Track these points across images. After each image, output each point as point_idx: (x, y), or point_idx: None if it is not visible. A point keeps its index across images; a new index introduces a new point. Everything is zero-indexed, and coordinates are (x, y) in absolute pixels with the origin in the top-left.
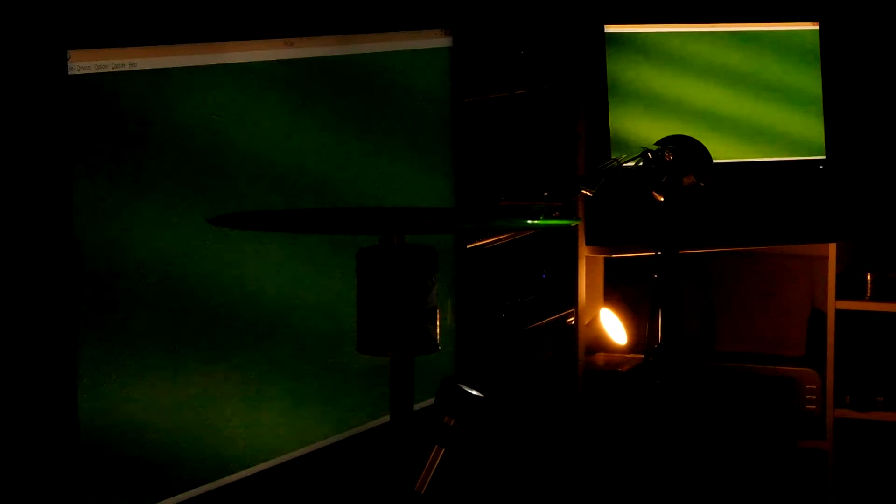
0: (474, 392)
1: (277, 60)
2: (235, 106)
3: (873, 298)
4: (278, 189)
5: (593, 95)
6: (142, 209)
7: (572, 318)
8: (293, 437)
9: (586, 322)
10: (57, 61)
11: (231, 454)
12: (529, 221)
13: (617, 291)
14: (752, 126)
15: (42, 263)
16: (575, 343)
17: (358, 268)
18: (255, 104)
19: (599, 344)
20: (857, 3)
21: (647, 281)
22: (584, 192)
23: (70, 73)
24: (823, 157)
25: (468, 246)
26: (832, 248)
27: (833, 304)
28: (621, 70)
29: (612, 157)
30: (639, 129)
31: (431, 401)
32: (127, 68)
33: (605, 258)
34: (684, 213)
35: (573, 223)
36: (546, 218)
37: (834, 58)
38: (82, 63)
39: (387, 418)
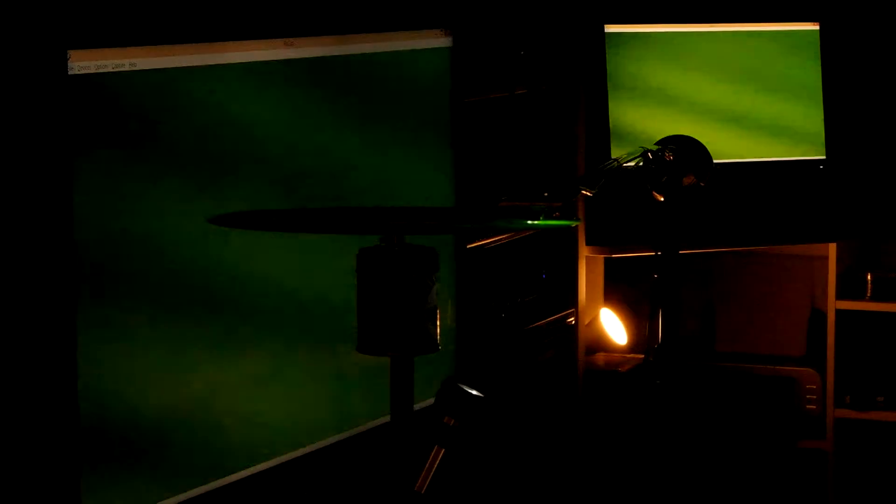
0: (474, 392)
1: (277, 60)
2: (235, 106)
3: (873, 298)
4: (278, 189)
5: (593, 95)
6: (142, 209)
7: (572, 318)
8: (293, 436)
9: (586, 322)
10: (57, 61)
11: (231, 454)
12: (529, 222)
13: (617, 291)
14: (752, 126)
15: (42, 262)
16: (575, 343)
17: (358, 268)
18: (255, 104)
19: (599, 344)
20: (857, 3)
21: (647, 281)
22: (584, 192)
23: (70, 73)
24: (823, 157)
25: (468, 246)
26: (832, 248)
27: (833, 304)
28: (621, 70)
29: (613, 158)
30: (639, 128)
31: (431, 401)
32: (127, 68)
33: (605, 258)
34: (684, 213)
35: (573, 224)
36: (546, 218)
37: (834, 58)
38: (82, 63)
39: (387, 418)
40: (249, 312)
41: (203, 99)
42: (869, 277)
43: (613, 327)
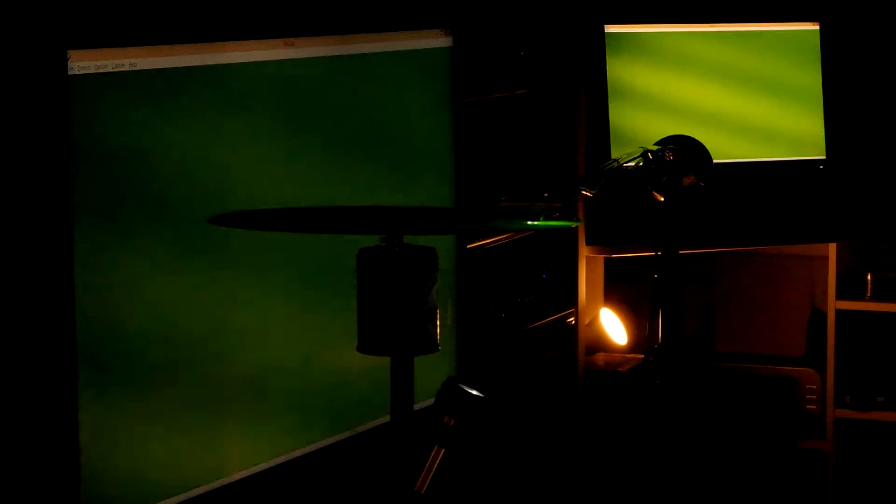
0: (474, 392)
1: (277, 60)
2: (235, 105)
3: (873, 298)
4: (278, 188)
5: (593, 95)
6: (142, 207)
7: (572, 318)
8: (293, 436)
9: (586, 322)
10: (57, 61)
11: (231, 453)
12: (529, 223)
13: (617, 291)
14: (752, 126)
15: (41, 261)
16: (575, 343)
17: (358, 268)
18: (254, 104)
19: (599, 344)
20: (857, 3)
21: (647, 281)
22: (584, 192)
23: (70, 73)
24: (824, 157)
25: (468, 246)
26: (832, 248)
27: (833, 304)
28: (621, 70)
29: (613, 158)
30: (639, 128)
31: (431, 401)
32: (127, 68)
33: (605, 258)
34: (684, 213)
35: (573, 224)
36: (546, 219)
37: (834, 58)
38: (82, 63)
39: (387, 418)
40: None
41: (203, 99)
42: (869, 277)
43: (613, 327)
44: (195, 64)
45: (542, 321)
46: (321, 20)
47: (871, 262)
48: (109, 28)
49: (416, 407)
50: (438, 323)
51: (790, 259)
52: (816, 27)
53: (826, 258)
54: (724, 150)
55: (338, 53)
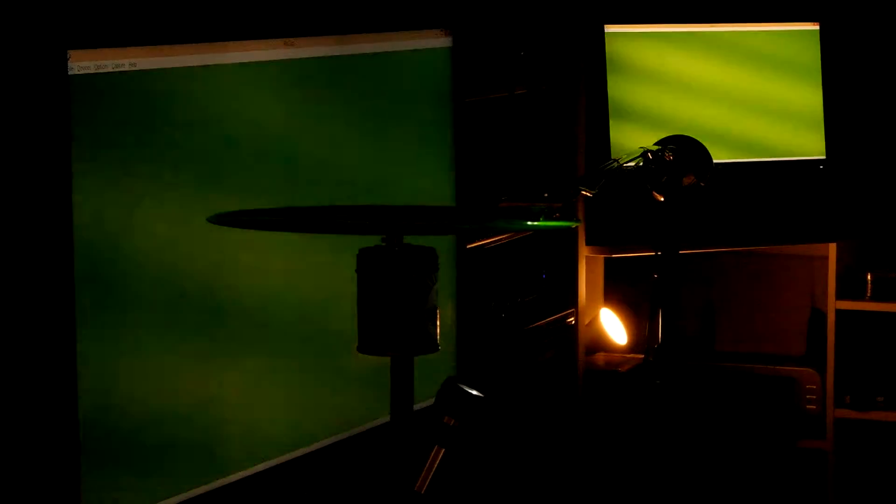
0: (474, 392)
1: (277, 60)
2: (235, 106)
3: (873, 298)
4: (278, 189)
5: (593, 95)
6: (142, 208)
7: (572, 318)
8: (293, 436)
9: (586, 322)
10: (57, 61)
11: (231, 454)
12: (529, 223)
13: (617, 291)
14: (752, 126)
15: (41, 263)
16: (575, 343)
17: (358, 268)
18: (254, 104)
19: (599, 344)
20: (857, 3)
21: (647, 281)
22: (584, 192)
23: (70, 73)
24: (823, 157)
25: (468, 246)
26: (832, 248)
27: (833, 304)
28: (621, 70)
29: (613, 158)
30: (639, 129)
31: (431, 401)
32: (127, 68)
33: (605, 258)
34: (684, 213)
35: (573, 225)
36: (546, 219)
37: (834, 58)
38: (82, 63)
39: (387, 418)
40: (250, 309)
41: (202, 99)
42: (869, 277)
43: (613, 327)
44: (195, 64)
45: (542, 321)
46: (321, 20)
47: (871, 262)
48: (109, 28)
49: (416, 407)
50: (438, 323)
51: (790, 259)
52: (816, 27)
53: (826, 258)
54: (724, 150)
55: (338, 53)
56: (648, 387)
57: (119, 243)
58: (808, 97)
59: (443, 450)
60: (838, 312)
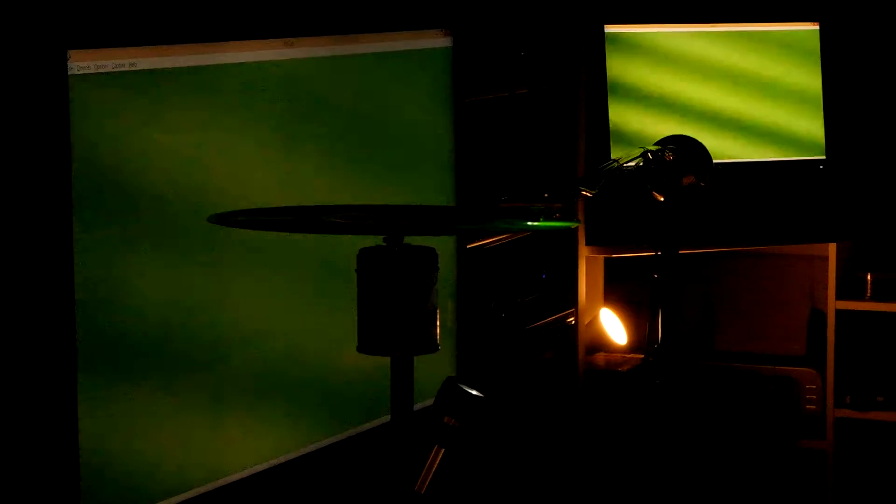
0: (474, 392)
1: (277, 60)
2: (235, 106)
3: (873, 298)
4: (278, 188)
5: (593, 96)
6: (143, 208)
7: (572, 318)
8: (293, 436)
9: (586, 322)
10: (57, 61)
11: (230, 454)
12: (529, 223)
13: (617, 291)
14: (752, 126)
15: (41, 260)
16: (575, 343)
17: (358, 268)
18: (254, 104)
19: (599, 344)
20: (857, 3)
21: (646, 281)
22: (584, 192)
23: (70, 73)
24: (823, 157)
25: (468, 246)
26: (832, 248)
27: (833, 304)
28: (621, 70)
29: (613, 158)
30: (639, 129)
31: (431, 401)
32: (127, 68)
33: (605, 258)
34: (684, 213)
35: (573, 225)
36: (546, 219)
37: (834, 58)
38: (82, 63)
39: (387, 418)
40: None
41: (203, 99)
42: (869, 277)
43: (613, 327)
44: (195, 64)
45: (542, 321)
46: (321, 20)
47: (871, 262)
48: (109, 28)
49: (416, 407)
50: (438, 323)
51: (790, 259)
52: (816, 27)
53: (826, 258)
54: (724, 150)
55: (338, 53)
56: (648, 386)
57: (119, 244)
58: (808, 97)
59: (443, 450)
60: (838, 312)
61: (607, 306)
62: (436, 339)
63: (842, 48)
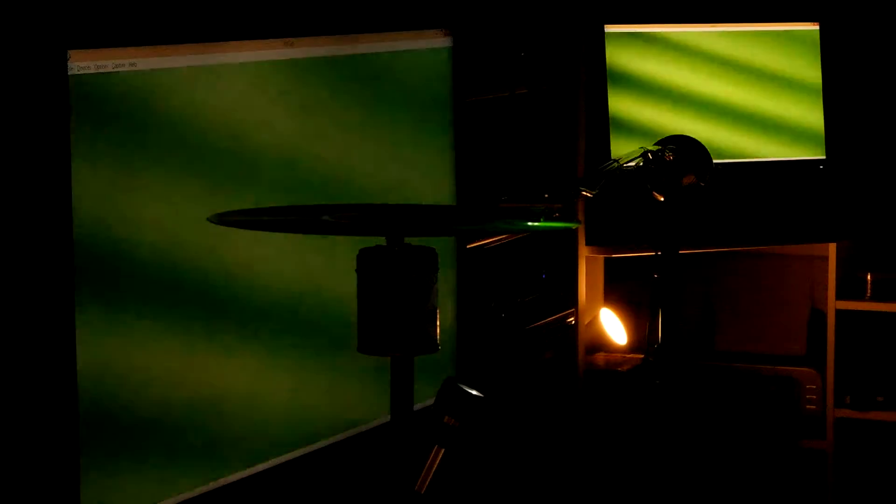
0: (474, 392)
1: (277, 60)
2: (235, 106)
3: (873, 298)
4: (278, 189)
5: (593, 96)
6: (142, 208)
7: (572, 318)
8: (293, 436)
9: (586, 322)
10: (57, 61)
11: (230, 454)
12: (530, 224)
13: (617, 291)
14: (752, 126)
15: (41, 261)
16: (575, 343)
17: (358, 268)
18: (254, 104)
19: (599, 344)
20: (857, 3)
21: (647, 281)
22: (584, 193)
23: (70, 73)
24: (823, 157)
25: (468, 246)
26: (832, 248)
27: (833, 304)
28: (621, 70)
29: (613, 158)
30: (639, 129)
31: (431, 401)
32: (127, 68)
33: (605, 258)
34: (684, 213)
35: (573, 226)
36: (546, 219)
37: (834, 58)
38: (82, 63)
39: (387, 418)
40: (250, 309)
41: (203, 99)
42: (869, 277)
43: (613, 327)
44: (195, 64)
45: (542, 321)
46: (321, 20)
47: (871, 262)
48: (109, 28)
49: (416, 407)
50: (438, 323)
51: (790, 259)
52: (816, 27)
53: (826, 258)
54: (724, 149)
55: (338, 53)
56: (648, 386)
57: (118, 243)
58: (808, 97)
59: (443, 450)
60: (838, 312)
61: (607, 306)
62: (436, 339)
63: (842, 48)
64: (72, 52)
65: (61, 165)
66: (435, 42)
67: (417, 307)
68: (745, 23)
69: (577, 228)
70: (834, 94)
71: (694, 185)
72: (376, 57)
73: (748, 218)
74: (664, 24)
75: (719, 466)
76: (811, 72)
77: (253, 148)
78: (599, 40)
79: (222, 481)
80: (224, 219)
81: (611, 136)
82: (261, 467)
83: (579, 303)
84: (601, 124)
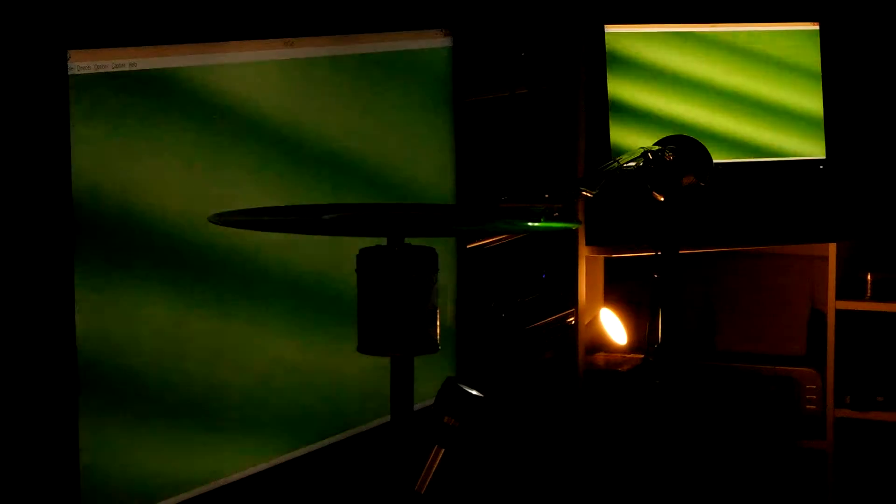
0: (474, 392)
1: (277, 60)
2: (235, 106)
3: (873, 298)
4: (278, 190)
5: (593, 96)
6: (141, 209)
7: (572, 318)
8: (293, 436)
9: (586, 322)
10: (57, 61)
11: (230, 454)
12: (530, 224)
13: (617, 291)
14: (752, 126)
15: (41, 259)
16: (575, 343)
17: (358, 268)
18: (254, 104)
19: (599, 344)
20: (857, 3)
21: (647, 281)
22: (584, 193)
23: (70, 73)
24: (823, 157)
25: (468, 246)
26: (832, 248)
27: (833, 304)
28: (621, 70)
29: (613, 158)
30: (639, 129)
31: (431, 401)
32: (127, 68)
33: (605, 258)
34: (684, 213)
35: (573, 226)
36: (546, 219)
37: (834, 58)
38: (82, 63)
39: (387, 418)
40: (250, 308)
41: (203, 99)
42: (869, 277)
43: (613, 327)
44: (195, 64)
45: (542, 321)
46: (321, 20)
47: (871, 262)
48: (109, 28)
49: (416, 407)
50: (438, 323)
51: (790, 259)
52: (816, 27)
53: (826, 258)
54: (725, 150)
55: (338, 53)
56: (648, 386)
57: (119, 243)
58: (808, 97)
59: (443, 450)
60: (838, 312)
61: (607, 306)
62: (436, 339)
63: (842, 48)
64: (72, 52)
65: (61, 165)
66: (435, 42)
67: (417, 307)
68: (745, 23)
69: (577, 228)
70: (834, 94)
71: (694, 185)
72: (376, 57)
73: (748, 218)
74: (664, 24)
75: (719, 466)
76: (811, 72)
77: (253, 148)
78: (599, 40)
79: (222, 481)
80: (224, 219)
81: (611, 136)
82: (261, 467)
83: (579, 303)
84: (601, 124)
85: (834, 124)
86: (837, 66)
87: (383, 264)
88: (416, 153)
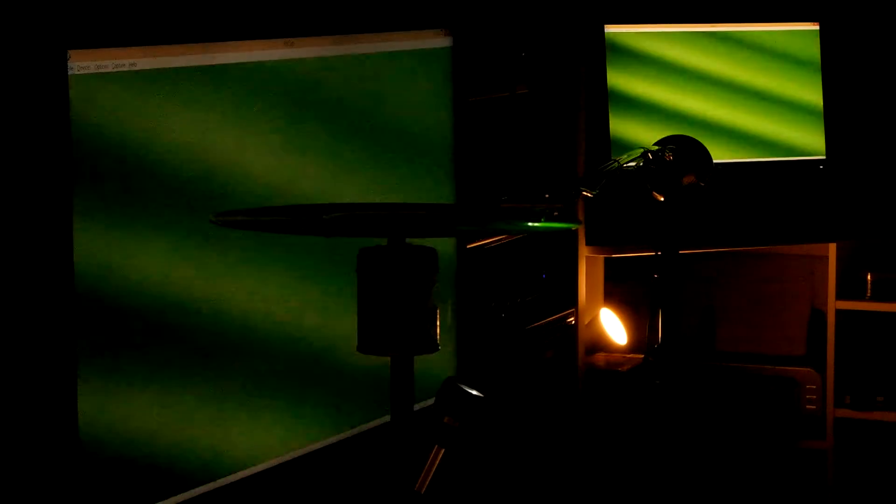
0: (474, 392)
1: (277, 60)
2: (235, 105)
3: (873, 298)
4: (278, 188)
5: (593, 96)
6: (142, 208)
7: (572, 318)
8: (293, 436)
9: (586, 322)
10: (57, 61)
11: (231, 454)
12: (530, 224)
13: (617, 291)
14: (752, 126)
15: (41, 259)
16: (575, 343)
17: (358, 268)
18: (254, 104)
19: (599, 344)
20: (857, 3)
21: (647, 281)
22: (585, 193)
23: (70, 73)
24: (823, 157)
25: (468, 246)
26: (832, 248)
27: (833, 304)
28: (621, 70)
29: (613, 158)
30: (639, 128)
31: (431, 401)
32: (127, 68)
33: (605, 258)
34: (684, 213)
35: (573, 226)
36: (547, 220)
37: (834, 58)
38: (82, 63)
39: (387, 418)
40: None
41: (203, 99)
42: (869, 277)
43: (613, 327)
44: (195, 64)
45: (542, 321)
46: (321, 20)
47: (871, 262)
48: (109, 28)
49: (416, 407)
50: (438, 323)
51: (790, 259)
52: (816, 27)
53: (826, 258)
54: (724, 149)
55: (338, 53)
56: (648, 387)
57: (120, 242)
58: (808, 97)
59: (443, 450)
60: (838, 312)
61: (607, 306)
62: (436, 339)
63: (842, 48)
64: (72, 52)
65: (62, 165)
66: (435, 42)
67: (417, 307)
68: (745, 23)
69: (577, 228)
70: (834, 95)
71: (694, 185)
72: (376, 57)
73: (748, 218)
74: (664, 24)
75: (719, 466)
76: (811, 72)
77: (253, 148)
78: (599, 40)
79: (222, 481)
80: (224, 219)
81: (611, 136)
82: (261, 467)
83: (579, 303)
84: (601, 125)
85: (834, 124)
86: (837, 66)
87: (383, 264)
88: (417, 153)
